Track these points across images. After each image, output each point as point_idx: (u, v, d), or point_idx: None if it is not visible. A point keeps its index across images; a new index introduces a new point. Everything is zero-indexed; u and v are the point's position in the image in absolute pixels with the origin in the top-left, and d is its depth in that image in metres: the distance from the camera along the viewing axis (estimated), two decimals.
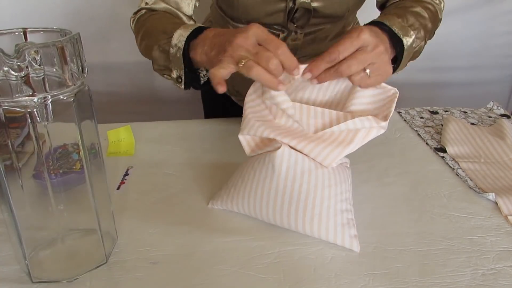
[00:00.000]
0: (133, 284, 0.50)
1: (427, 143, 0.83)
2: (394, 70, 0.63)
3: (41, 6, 1.33)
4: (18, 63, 0.39)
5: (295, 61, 0.52)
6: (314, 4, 0.76)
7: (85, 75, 0.45)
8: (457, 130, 0.85)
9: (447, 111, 0.97)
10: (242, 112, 0.62)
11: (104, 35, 1.40)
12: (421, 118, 0.95)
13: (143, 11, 0.77)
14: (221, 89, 0.50)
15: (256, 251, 0.55)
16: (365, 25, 0.62)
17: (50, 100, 0.42)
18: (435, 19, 0.75)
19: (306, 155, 0.57)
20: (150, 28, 0.72)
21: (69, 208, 0.50)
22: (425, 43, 0.71)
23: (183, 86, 0.66)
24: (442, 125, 0.89)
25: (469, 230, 0.59)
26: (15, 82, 0.39)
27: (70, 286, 0.50)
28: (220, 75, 0.50)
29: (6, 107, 0.41)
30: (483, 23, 1.56)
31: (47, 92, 0.41)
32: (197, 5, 0.79)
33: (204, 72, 0.67)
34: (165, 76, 0.69)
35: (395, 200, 0.66)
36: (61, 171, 0.49)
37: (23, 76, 0.39)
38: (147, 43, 0.71)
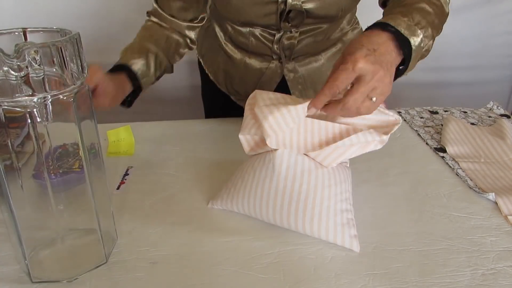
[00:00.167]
0: (133, 284, 0.50)
1: (427, 143, 0.83)
2: (403, 72, 0.62)
3: (41, 6, 1.33)
4: (18, 63, 0.39)
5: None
6: (306, 6, 0.76)
7: (85, 75, 0.45)
8: (457, 130, 0.85)
9: (447, 111, 0.97)
10: (242, 112, 0.62)
11: (104, 35, 1.40)
12: (421, 118, 0.95)
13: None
14: None
15: (256, 251, 0.55)
16: (368, 28, 0.61)
17: (50, 100, 0.42)
18: (442, 14, 0.72)
19: (306, 154, 0.57)
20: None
21: (69, 208, 0.50)
22: (433, 41, 0.68)
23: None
24: (442, 125, 0.89)
25: (469, 230, 0.59)
26: (15, 82, 0.39)
27: (70, 286, 0.50)
28: None
29: (6, 107, 0.41)
30: (483, 23, 1.56)
31: (47, 92, 0.41)
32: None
33: None
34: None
35: (395, 200, 0.66)
36: (61, 171, 0.49)
37: (23, 76, 0.39)
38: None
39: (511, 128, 0.83)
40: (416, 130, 0.89)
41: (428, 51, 0.68)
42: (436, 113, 0.97)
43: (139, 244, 0.57)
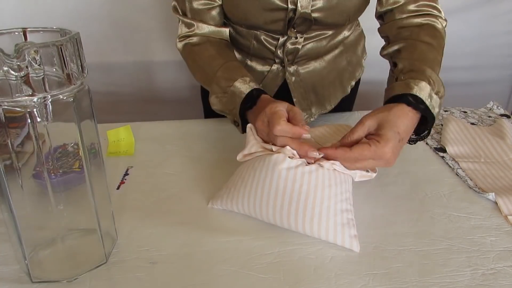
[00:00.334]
0: (133, 284, 0.50)
1: (427, 143, 0.83)
2: (423, 138, 0.66)
3: (41, 6, 1.33)
4: (18, 63, 0.39)
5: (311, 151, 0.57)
6: (315, 15, 0.76)
7: (85, 75, 0.45)
8: (457, 130, 0.85)
9: (447, 111, 0.97)
10: None
11: (104, 35, 1.40)
12: None
13: (186, 40, 0.81)
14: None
15: (256, 251, 0.55)
16: (388, 101, 0.62)
17: (50, 100, 0.43)
18: (443, 42, 0.78)
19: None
20: (200, 63, 0.78)
21: (69, 208, 0.50)
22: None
23: (241, 130, 0.70)
24: (442, 125, 0.89)
25: (469, 230, 0.59)
26: (15, 82, 0.39)
27: (70, 286, 0.50)
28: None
29: (6, 107, 0.41)
30: (483, 23, 1.55)
31: (47, 92, 0.41)
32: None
33: None
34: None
35: (395, 200, 0.66)
36: (61, 171, 0.49)
37: (23, 76, 0.39)
38: (202, 80, 0.79)
39: (511, 128, 0.83)
40: None
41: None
42: None
43: (139, 244, 0.57)
